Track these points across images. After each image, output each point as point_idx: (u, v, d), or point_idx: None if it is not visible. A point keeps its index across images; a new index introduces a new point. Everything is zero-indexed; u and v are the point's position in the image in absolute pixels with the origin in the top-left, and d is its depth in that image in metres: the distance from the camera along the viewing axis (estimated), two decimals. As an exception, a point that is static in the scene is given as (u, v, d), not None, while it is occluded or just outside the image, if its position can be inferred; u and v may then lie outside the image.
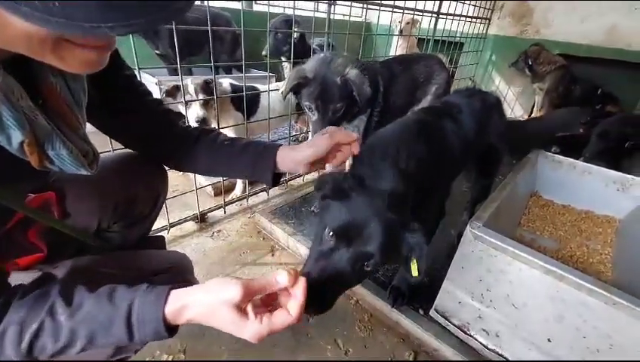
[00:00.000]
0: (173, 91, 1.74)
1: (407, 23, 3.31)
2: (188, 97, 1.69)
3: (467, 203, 1.73)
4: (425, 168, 0.95)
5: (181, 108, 1.79)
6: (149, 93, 0.89)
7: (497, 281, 1.06)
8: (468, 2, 3.18)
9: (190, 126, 0.95)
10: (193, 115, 1.79)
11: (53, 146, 0.54)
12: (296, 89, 1.47)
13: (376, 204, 0.76)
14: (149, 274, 0.84)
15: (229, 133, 1.95)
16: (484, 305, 1.11)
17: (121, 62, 0.79)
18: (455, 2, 3.06)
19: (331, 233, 0.73)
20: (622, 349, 0.88)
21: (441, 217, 1.32)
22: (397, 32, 3.31)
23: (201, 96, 1.76)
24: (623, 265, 1.49)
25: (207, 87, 1.77)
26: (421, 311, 1.29)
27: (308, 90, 1.42)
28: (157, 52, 2.75)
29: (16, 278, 0.61)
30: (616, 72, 3.31)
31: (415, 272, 0.78)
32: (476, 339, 1.14)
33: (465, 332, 1.17)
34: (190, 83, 1.73)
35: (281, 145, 0.90)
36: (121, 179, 0.89)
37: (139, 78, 0.88)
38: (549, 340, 1.00)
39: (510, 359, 1.08)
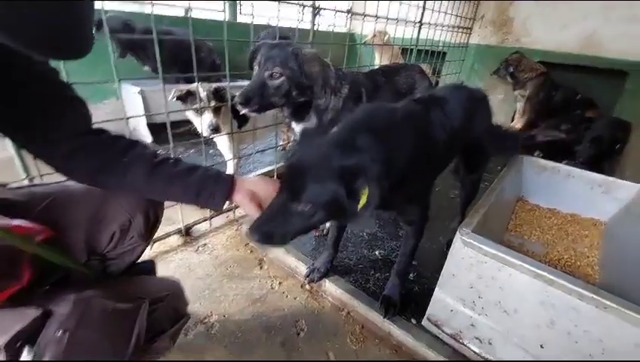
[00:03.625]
0: (185, 96, 1.73)
1: (374, 36, 3.41)
2: (197, 104, 1.70)
3: (458, 208, 1.73)
4: (411, 157, 0.94)
5: (191, 117, 1.84)
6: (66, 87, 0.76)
7: (488, 288, 1.05)
8: (450, 12, 3.26)
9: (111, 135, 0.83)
10: (206, 122, 1.77)
11: None
12: (255, 53, 1.47)
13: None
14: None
15: (226, 141, 1.95)
16: (476, 313, 1.10)
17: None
18: (437, 12, 3.13)
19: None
20: (614, 353, 0.87)
21: (426, 210, 1.25)
22: (366, 42, 3.57)
23: (212, 103, 1.75)
24: (609, 267, 1.50)
25: (217, 94, 1.77)
26: (413, 321, 1.27)
27: (262, 50, 1.43)
28: (145, 68, 2.84)
29: None
30: (594, 78, 3.42)
31: (364, 200, 0.71)
32: (469, 348, 1.13)
33: (458, 341, 1.15)
34: (202, 89, 1.72)
35: (233, 176, 0.90)
36: (120, 206, 0.85)
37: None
38: (541, 346, 0.99)
39: (504, 367, 1.07)
